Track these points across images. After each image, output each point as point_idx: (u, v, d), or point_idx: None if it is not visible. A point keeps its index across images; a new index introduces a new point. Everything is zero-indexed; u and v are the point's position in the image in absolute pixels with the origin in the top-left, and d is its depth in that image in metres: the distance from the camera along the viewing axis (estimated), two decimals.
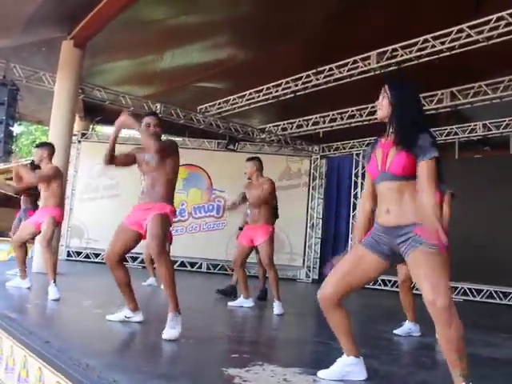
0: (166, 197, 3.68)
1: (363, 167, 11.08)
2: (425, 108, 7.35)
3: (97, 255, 11.13)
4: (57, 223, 5.26)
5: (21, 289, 5.24)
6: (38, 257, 7.03)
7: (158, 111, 10.03)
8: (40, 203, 5.47)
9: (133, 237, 3.68)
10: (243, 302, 5.52)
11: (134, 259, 10.89)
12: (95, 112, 11.93)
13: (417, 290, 2.53)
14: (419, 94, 2.76)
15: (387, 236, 2.52)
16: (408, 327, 4.46)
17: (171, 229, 7.87)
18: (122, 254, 3.72)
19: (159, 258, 3.46)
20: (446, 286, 2.36)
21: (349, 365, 2.65)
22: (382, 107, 2.59)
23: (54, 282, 4.86)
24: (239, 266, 5.48)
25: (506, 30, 6.05)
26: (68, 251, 11.37)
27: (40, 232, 5.14)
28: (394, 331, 4.44)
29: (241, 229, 8.59)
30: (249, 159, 5.71)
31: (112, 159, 3.75)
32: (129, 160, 3.86)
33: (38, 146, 5.44)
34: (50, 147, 5.39)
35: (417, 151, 2.43)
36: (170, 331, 3.34)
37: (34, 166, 5.63)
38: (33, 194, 6.98)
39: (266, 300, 6.31)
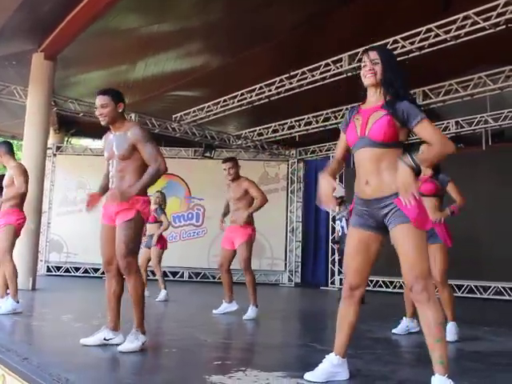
0: None
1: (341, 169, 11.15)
2: None
3: (77, 269, 10.97)
4: (17, 229, 4.88)
5: None
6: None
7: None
8: None
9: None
10: (227, 308, 5.47)
11: None
12: (70, 124, 11.85)
13: None
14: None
15: (368, 209, 2.54)
16: (405, 324, 4.45)
17: (167, 237, 7.78)
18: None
19: (127, 274, 3.26)
20: (424, 267, 2.38)
21: (335, 365, 2.64)
22: (376, 72, 2.56)
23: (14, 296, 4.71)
24: (225, 271, 5.43)
25: (472, 28, 6.19)
26: (47, 266, 11.21)
27: None
28: (393, 331, 4.43)
29: (336, 242, 8.52)
30: (230, 159, 5.56)
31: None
32: None
33: None
34: (6, 145, 5.03)
35: (401, 116, 2.44)
36: (126, 345, 3.20)
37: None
38: None
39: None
